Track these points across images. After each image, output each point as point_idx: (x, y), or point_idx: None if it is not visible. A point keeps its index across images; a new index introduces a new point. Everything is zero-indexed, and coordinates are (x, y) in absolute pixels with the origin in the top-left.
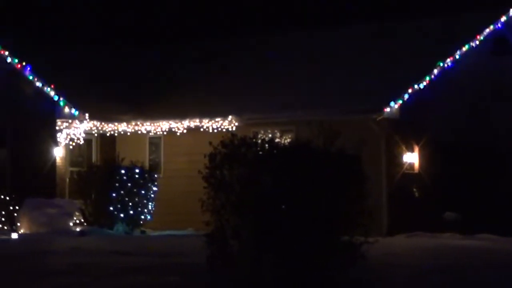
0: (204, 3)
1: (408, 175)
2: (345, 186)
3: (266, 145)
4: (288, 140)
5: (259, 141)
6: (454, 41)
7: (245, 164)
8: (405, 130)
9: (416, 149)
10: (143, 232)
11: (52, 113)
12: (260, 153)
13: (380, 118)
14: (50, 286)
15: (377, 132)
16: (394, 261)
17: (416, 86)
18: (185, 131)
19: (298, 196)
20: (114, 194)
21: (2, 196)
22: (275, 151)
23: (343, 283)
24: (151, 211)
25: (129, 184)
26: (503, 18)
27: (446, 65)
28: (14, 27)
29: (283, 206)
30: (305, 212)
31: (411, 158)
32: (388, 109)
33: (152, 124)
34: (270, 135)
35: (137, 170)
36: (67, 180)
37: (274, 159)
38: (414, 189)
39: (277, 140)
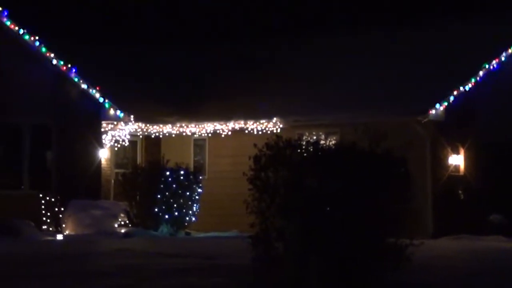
0: (249, 7)
1: (454, 177)
2: (390, 188)
3: (311, 147)
4: (333, 142)
5: (304, 143)
6: (500, 43)
7: (290, 166)
8: (450, 132)
9: (462, 151)
10: (187, 233)
11: (97, 114)
12: (305, 155)
13: (425, 120)
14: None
15: (422, 134)
16: (439, 263)
17: (461, 88)
18: (229, 132)
19: (343, 198)
20: (159, 196)
21: (48, 198)
22: (320, 153)
23: (387, 285)
24: (196, 213)
25: (174, 186)
26: None
27: (491, 66)
28: (59, 29)
29: (328, 208)
30: (351, 214)
31: (457, 160)
32: (433, 111)
33: (197, 126)
34: (315, 137)
35: (182, 172)
36: (112, 181)
37: (319, 161)
38: (460, 192)
39: (322, 142)
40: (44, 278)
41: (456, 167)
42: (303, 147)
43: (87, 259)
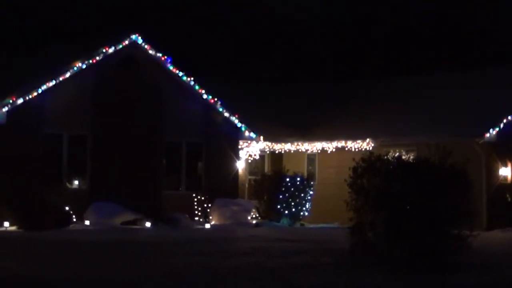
0: (348, 54)
1: (503, 185)
2: (455, 193)
3: (395, 161)
4: (412, 157)
5: (390, 158)
6: None
7: (379, 175)
8: (500, 150)
9: (510, 165)
10: (302, 224)
11: (235, 135)
12: (391, 167)
13: (481, 141)
14: (237, 263)
15: (479, 152)
16: (492, 249)
17: (509, 118)
18: (334, 149)
19: (419, 199)
20: (281, 196)
21: (199, 197)
22: (402, 166)
23: (453, 266)
24: (308, 209)
25: (292, 189)
26: None
27: None
28: (208, 71)
29: (408, 207)
30: (425, 212)
31: (505, 172)
32: (488, 135)
33: (309, 144)
34: (397, 154)
35: (298, 178)
36: (246, 185)
37: (401, 171)
38: (507, 195)
39: (403, 157)
40: (198, 255)
41: (505, 177)
42: (389, 160)
43: (228, 242)
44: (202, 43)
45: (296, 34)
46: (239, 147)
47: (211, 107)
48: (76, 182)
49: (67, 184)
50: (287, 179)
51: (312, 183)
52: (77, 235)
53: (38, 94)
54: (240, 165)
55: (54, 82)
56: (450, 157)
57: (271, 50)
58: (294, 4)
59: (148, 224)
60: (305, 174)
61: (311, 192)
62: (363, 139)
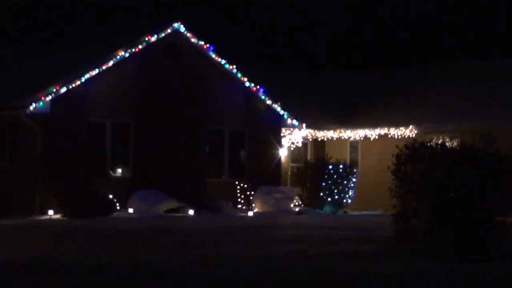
0: (390, 41)
1: None
2: (500, 179)
3: (439, 148)
4: (455, 144)
5: (434, 145)
6: None
7: (423, 162)
8: None
9: None
10: (345, 212)
11: (278, 123)
12: (435, 153)
13: None
14: (280, 251)
15: None
16: None
17: None
18: (376, 137)
19: (463, 186)
20: (323, 184)
21: (242, 184)
22: (446, 152)
23: (496, 254)
24: (351, 196)
25: (335, 176)
26: None
27: None
28: (250, 59)
29: (452, 194)
30: (469, 198)
31: None
32: None
33: (352, 132)
34: (441, 140)
35: (341, 166)
36: (289, 173)
37: (445, 158)
38: None
39: (447, 144)
40: (241, 242)
41: None
42: (433, 147)
43: (271, 230)
44: (244, 31)
45: (337, 21)
46: (282, 134)
47: (253, 95)
48: (120, 170)
49: (111, 172)
50: (330, 167)
51: (355, 170)
52: (121, 223)
53: (82, 82)
54: (283, 153)
55: (97, 70)
56: (494, 144)
57: (312, 37)
58: None
59: (191, 212)
60: (348, 161)
61: (354, 180)
62: (406, 126)
